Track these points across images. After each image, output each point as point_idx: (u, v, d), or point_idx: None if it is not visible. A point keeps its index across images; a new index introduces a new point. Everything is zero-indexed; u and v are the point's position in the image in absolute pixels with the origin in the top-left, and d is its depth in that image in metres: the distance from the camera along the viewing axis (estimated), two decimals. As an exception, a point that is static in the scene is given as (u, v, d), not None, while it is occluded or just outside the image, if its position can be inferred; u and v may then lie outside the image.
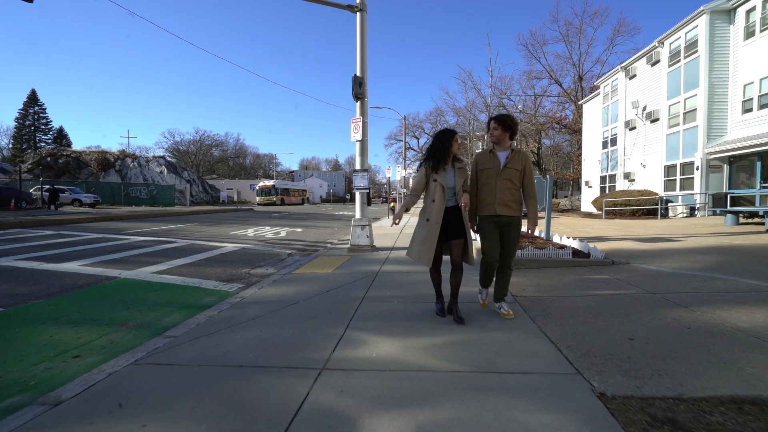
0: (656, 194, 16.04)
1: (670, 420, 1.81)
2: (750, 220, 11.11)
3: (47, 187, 25.59)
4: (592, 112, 25.02)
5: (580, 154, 30.57)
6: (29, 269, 5.49)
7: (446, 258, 3.29)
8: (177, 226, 12.75)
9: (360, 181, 7.56)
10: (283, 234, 11.12)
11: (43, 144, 67.45)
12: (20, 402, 2.16)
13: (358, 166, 7.69)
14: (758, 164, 13.16)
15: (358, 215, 7.65)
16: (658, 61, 17.27)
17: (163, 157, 47.01)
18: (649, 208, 15.67)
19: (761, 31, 12.96)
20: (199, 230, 11.55)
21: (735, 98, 14.04)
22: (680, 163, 15.83)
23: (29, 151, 68.31)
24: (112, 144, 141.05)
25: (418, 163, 3.25)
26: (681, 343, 2.65)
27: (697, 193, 14.83)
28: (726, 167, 14.48)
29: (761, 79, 12.95)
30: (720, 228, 10.23)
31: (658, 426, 1.75)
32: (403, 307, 3.61)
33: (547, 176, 7.75)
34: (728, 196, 11.85)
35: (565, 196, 40.77)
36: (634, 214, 16.09)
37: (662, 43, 16.88)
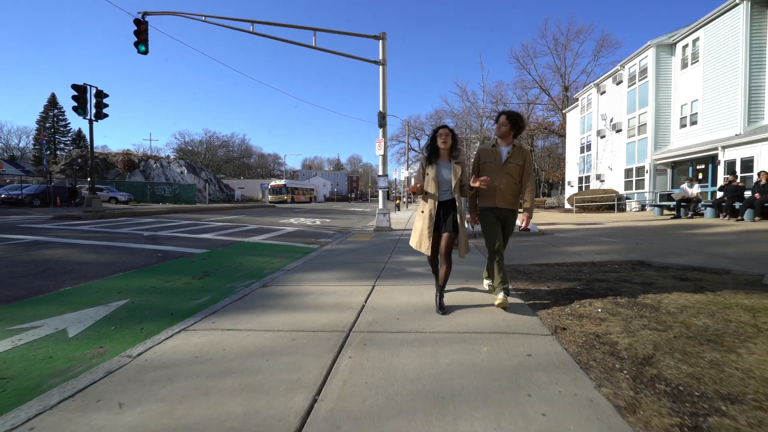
0: (616, 192, 19.48)
1: (519, 270, 5.23)
2: (672, 212, 14.49)
3: (69, 186, 28.87)
4: (573, 120, 28.44)
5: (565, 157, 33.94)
6: (188, 237, 8.93)
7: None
8: (234, 217, 16.20)
9: (382, 183, 11.00)
10: (318, 222, 14.57)
11: (62, 145, 70.93)
12: (269, 272, 5.56)
13: (380, 173, 11.13)
14: (690, 168, 16.58)
15: (380, 206, 11.07)
16: (621, 82, 20.68)
17: (183, 158, 50.49)
18: (610, 203, 19.09)
19: (692, 63, 16.37)
20: (253, 219, 14.98)
21: (675, 115, 17.47)
22: (635, 167, 19.26)
23: (48, 152, 71.68)
24: (122, 145, 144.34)
25: (419, 163, 3.56)
26: (537, 254, 6.08)
27: (646, 192, 18.24)
28: (669, 170, 17.90)
29: (692, 101, 16.36)
30: (647, 217, 13.65)
31: (514, 273, 5.18)
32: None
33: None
34: (657, 194, 15.26)
35: (554, 195, 44.11)
36: (598, 209, 19.50)
37: (623, 67, 20.29)
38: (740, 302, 3.13)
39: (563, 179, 40.25)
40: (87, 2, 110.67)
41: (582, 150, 25.98)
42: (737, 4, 13.78)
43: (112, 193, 33.45)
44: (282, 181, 55.80)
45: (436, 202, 3.20)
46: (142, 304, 3.80)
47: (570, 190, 28.36)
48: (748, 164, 13.04)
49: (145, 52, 11.85)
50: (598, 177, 23.21)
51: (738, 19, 13.82)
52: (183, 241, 8.31)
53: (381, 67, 11.07)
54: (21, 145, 79.69)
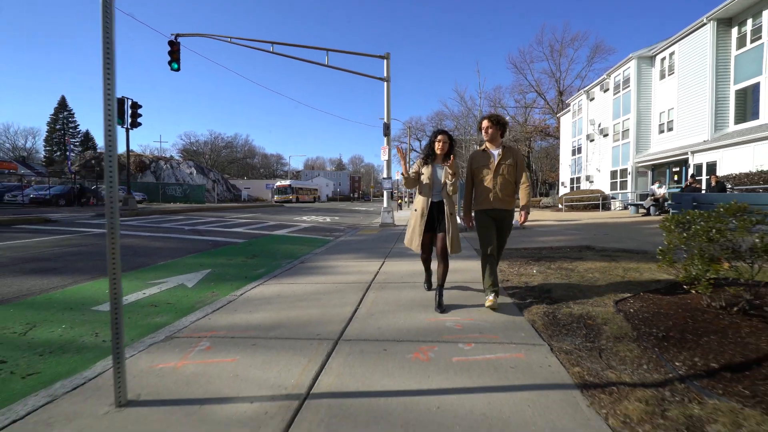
0: (601, 192, 21.03)
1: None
2: (644, 210, 16.03)
3: (78, 186, 30.06)
4: (566, 124, 29.96)
5: (560, 158, 35.39)
6: (223, 230, 10.53)
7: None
8: (251, 215, 17.81)
9: (386, 184, 12.60)
10: (328, 220, 16.17)
11: (71, 146, 72.65)
12: (302, 254, 7.17)
13: (385, 176, 12.72)
14: (667, 171, 18.12)
15: (385, 205, 12.66)
16: (607, 90, 22.22)
17: (191, 159, 52.20)
18: (596, 203, 20.64)
19: (668, 75, 17.90)
20: (270, 217, 16.59)
21: (654, 122, 19.01)
22: (620, 169, 20.81)
23: (58, 153, 73.67)
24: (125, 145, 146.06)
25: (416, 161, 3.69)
26: (511, 242, 7.67)
27: (629, 192, 19.79)
28: (649, 172, 19.44)
29: (669, 110, 17.90)
30: (624, 215, 15.20)
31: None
32: (416, 239, 8.65)
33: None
34: (637, 194, 16.80)
35: (551, 195, 45.61)
36: (585, 208, 21.05)
37: (609, 76, 21.83)
38: (627, 266, 4.72)
39: (558, 180, 41.78)
40: (87, 7, 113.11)
41: (573, 152, 27.52)
42: (705, 24, 15.31)
43: (128, 193, 34.93)
44: (287, 182, 57.56)
45: (429, 200, 3.37)
46: (221, 272, 5.40)
47: (563, 190, 29.88)
48: (712, 167, 14.57)
49: (178, 69, 13.45)
50: (588, 178, 24.75)
51: (706, 36, 15.34)
52: (221, 233, 9.93)
53: (385, 83, 12.66)
54: (27, 145, 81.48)
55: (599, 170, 23.43)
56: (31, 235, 8.61)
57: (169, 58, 13.34)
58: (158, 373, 2.27)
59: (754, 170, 11.86)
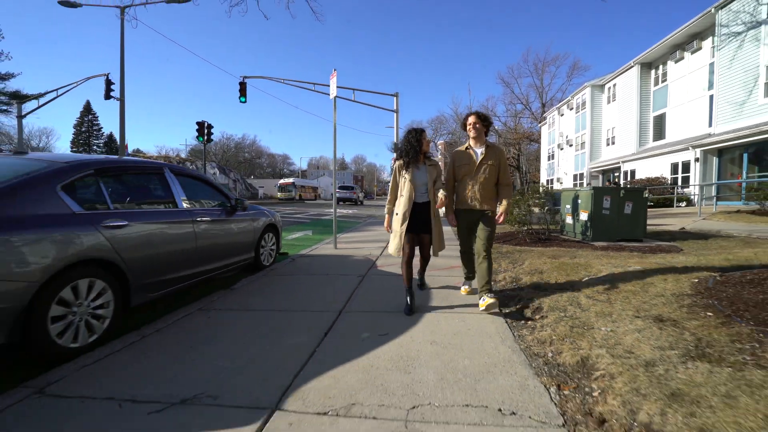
0: (565, 192, 26.23)
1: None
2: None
3: None
4: (544, 133, 35.16)
5: (543, 162, 40.47)
6: (289, 217, 15.74)
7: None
8: (290, 209, 23.03)
9: (395, 185, 17.87)
10: (350, 212, 21.39)
11: (96, 148, 78.08)
12: (352, 226, 12.41)
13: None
14: (612, 175, 23.35)
15: (394, 200, 17.92)
16: (572, 108, 27.39)
17: (214, 161, 57.46)
18: (560, 200, 25.84)
19: (612, 101, 23.08)
20: (304, 210, 21.79)
21: (603, 136, 24.20)
22: (579, 173, 26.01)
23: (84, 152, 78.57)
24: (133, 144, 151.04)
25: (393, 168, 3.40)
26: (473, 221, 12.92)
27: (585, 191, 24.99)
28: (600, 176, 24.64)
29: (612, 127, 23.09)
30: (571, 209, 20.41)
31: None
32: (416, 220, 13.92)
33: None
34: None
35: (538, 194, 50.72)
36: (552, 204, 26.22)
37: (573, 98, 27.01)
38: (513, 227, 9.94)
39: (539, 181, 46.93)
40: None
41: (549, 158, 32.74)
42: (633, 66, 20.46)
43: (166, 192, 40.08)
44: (291, 179, 62.70)
45: (411, 204, 3.26)
46: (318, 231, 10.65)
47: (542, 190, 35.05)
48: (633, 174, 19.75)
49: (245, 102, 18.64)
50: (558, 180, 29.96)
51: (633, 75, 20.48)
52: (290, 217, 15.16)
53: (395, 114, 17.86)
54: (41, 145, 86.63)
55: (566, 174, 28.62)
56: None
57: (239, 94, 18.55)
58: (337, 248, 7.56)
59: (649, 176, 17.02)
